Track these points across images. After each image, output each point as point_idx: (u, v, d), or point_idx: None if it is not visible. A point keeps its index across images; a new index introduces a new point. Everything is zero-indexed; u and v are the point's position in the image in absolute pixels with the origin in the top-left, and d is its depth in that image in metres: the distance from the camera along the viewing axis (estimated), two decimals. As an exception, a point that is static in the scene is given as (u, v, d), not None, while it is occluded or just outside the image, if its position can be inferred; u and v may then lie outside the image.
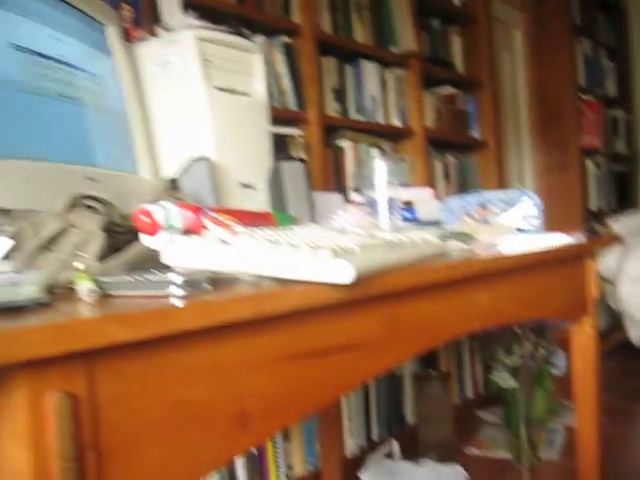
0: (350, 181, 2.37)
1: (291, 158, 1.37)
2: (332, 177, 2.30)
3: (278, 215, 0.91)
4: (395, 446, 2.41)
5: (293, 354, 0.70)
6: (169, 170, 1.18)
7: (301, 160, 1.29)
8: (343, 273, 0.66)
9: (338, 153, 2.38)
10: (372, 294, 0.76)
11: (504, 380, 2.49)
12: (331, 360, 0.75)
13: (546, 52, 4.04)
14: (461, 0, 3.31)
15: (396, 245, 0.89)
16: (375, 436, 2.50)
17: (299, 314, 0.68)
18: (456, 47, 3.32)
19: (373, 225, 1.20)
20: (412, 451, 2.46)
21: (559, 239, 1.36)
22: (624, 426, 2.81)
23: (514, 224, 1.57)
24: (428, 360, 2.76)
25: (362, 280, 0.70)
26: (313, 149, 2.17)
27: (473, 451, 2.61)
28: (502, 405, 2.56)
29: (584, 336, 1.43)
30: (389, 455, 2.40)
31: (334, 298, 0.69)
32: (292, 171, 1.24)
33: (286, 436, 2.10)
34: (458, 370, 2.99)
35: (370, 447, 2.42)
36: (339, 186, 2.30)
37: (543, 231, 1.54)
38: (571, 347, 1.46)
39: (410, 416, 2.69)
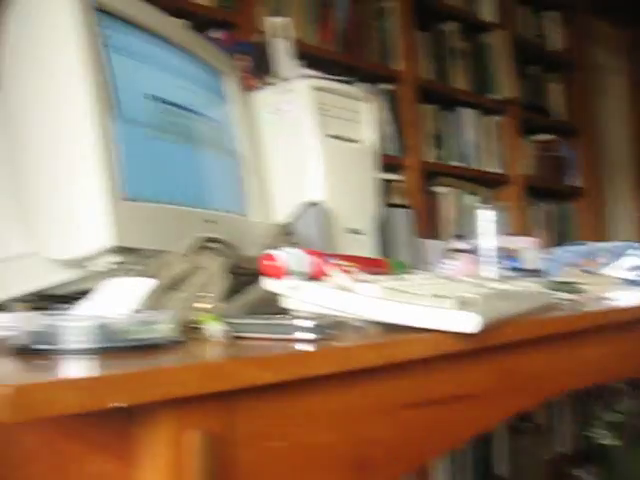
0: (447, 227, 2.37)
1: (398, 205, 1.38)
2: (429, 223, 2.30)
3: (392, 262, 0.92)
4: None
5: (413, 402, 0.70)
6: (279, 214, 1.21)
7: (406, 207, 1.30)
8: (470, 323, 0.66)
9: (436, 199, 2.39)
10: (490, 345, 0.76)
11: (603, 437, 2.39)
12: (448, 409, 0.74)
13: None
14: (560, 47, 3.28)
15: (511, 295, 0.89)
16: (466, 488, 2.44)
17: (421, 362, 0.68)
18: (555, 93, 3.28)
19: (480, 274, 1.20)
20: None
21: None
22: None
23: (620, 275, 1.53)
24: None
25: (484, 330, 0.70)
26: (412, 195, 2.18)
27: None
28: (599, 464, 2.45)
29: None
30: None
31: (457, 347, 0.69)
32: (399, 217, 1.25)
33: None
34: (552, 423, 2.89)
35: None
36: (435, 232, 2.30)
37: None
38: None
39: (500, 469, 2.61)
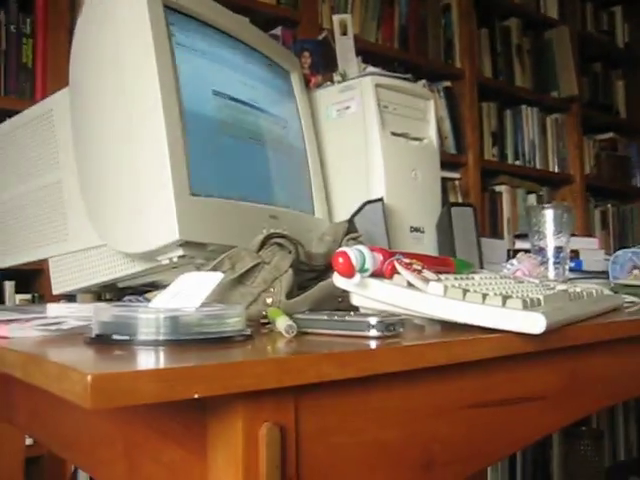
0: (506, 226, 2.34)
1: (461, 204, 1.37)
2: (488, 222, 2.28)
3: (457, 261, 0.91)
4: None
5: (479, 402, 0.69)
6: (340, 211, 1.21)
7: (470, 205, 1.29)
8: (534, 324, 0.66)
9: (495, 197, 2.36)
10: (556, 346, 0.75)
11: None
12: (513, 410, 0.74)
13: None
14: (625, 42, 3.21)
15: (576, 297, 0.88)
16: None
17: (487, 362, 0.68)
18: (619, 91, 3.21)
19: (543, 275, 1.18)
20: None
21: None
22: None
23: (688, 280, 1.49)
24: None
25: (549, 331, 0.69)
26: (471, 193, 2.16)
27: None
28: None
29: None
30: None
31: (522, 348, 0.68)
32: (461, 215, 1.25)
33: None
34: (611, 429, 2.83)
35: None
36: (495, 231, 2.28)
37: None
38: None
39: (558, 475, 2.57)
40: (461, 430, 0.69)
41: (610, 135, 3.07)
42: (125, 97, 0.89)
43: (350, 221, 1.06)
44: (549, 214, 1.27)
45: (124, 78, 0.90)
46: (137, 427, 0.64)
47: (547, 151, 2.65)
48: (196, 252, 0.89)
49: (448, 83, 2.22)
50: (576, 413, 0.85)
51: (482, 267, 1.24)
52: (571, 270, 1.47)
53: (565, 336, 0.76)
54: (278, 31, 1.94)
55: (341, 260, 0.67)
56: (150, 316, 0.59)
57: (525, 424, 0.76)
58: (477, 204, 2.17)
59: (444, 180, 2.12)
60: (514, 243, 1.61)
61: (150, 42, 0.88)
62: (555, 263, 1.24)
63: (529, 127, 2.56)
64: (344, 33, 1.46)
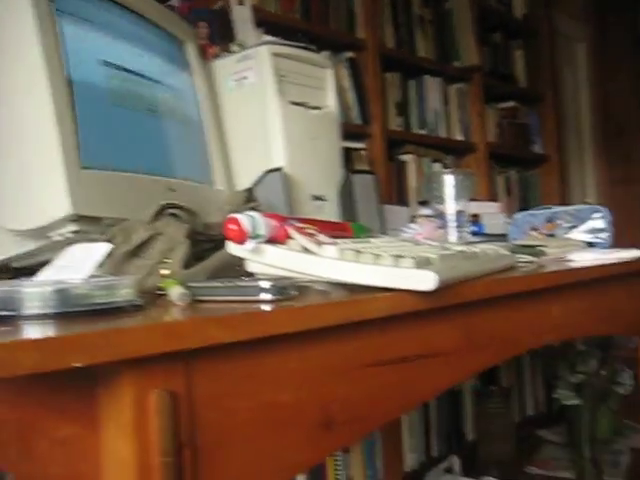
0: (412, 195, 2.38)
1: (362, 171, 1.38)
2: (394, 191, 2.31)
3: (354, 226, 0.92)
4: (455, 462, 2.39)
5: (377, 360, 0.71)
6: (242, 182, 1.20)
7: (371, 172, 1.31)
8: (426, 281, 0.67)
9: (401, 167, 2.39)
10: (451, 303, 0.77)
11: (567, 398, 2.44)
12: (412, 367, 0.76)
13: (610, 66, 3.99)
14: (523, 13, 3.29)
15: (470, 256, 0.90)
16: (435, 452, 2.48)
17: (382, 321, 0.69)
18: (518, 61, 3.30)
19: (443, 238, 1.21)
20: (471, 468, 2.43)
21: (632, 253, 1.34)
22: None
23: (583, 239, 1.55)
24: (488, 376, 2.73)
25: (443, 289, 0.71)
26: (376, 163, 2.18)
27: (534, 470, 2.57)
28: (565, 424, 2.51)
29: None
30: (449, 471, 2.38)
31: (416, 305, 0.70)
32: (363, 183, 1.26)
33: (347, 450, 2.10)
34: (519, 387, 2.95)
35: (429, 463, 2.40)
36: (401, 199, 2.31)
37: (613, 246, 1.52)
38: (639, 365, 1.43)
39: (470, 433, 2.66)
40: (360, 389, 0.70)
41: (511, 104, 3.16)
42: (7, 66, 0.86)
43: (249, 190, 1.05)
44: (448, 179, 1.30)
45: (5, 48, 0.86)
46: (31, 408, 0.63)
47: (451, 120, 2.70)
48: (90, 227, 0.87)
49: (351, 54, 2.23)
50: (474, 367, 0.88)
51: (384, 233, 1.26)
52: (474, 234, 1.51)
53: (459, 293, 0.78)
54: (175, 2, 1.90)
55: (232, 226, 0.67)
56: (35, 290, 0.57)
57: (424, 381, 0.78)
58: (383, 173, 2.20)
59: (350, 151, 2.14)
60: (418, 210, 1.64)
61: (31, 11, 0.84)
62: (455, 227, 1.27)
63: (433, 97, 2.60)
64: (241, 2, 1.44)
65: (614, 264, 1.19)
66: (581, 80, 4.02)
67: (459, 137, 2.73)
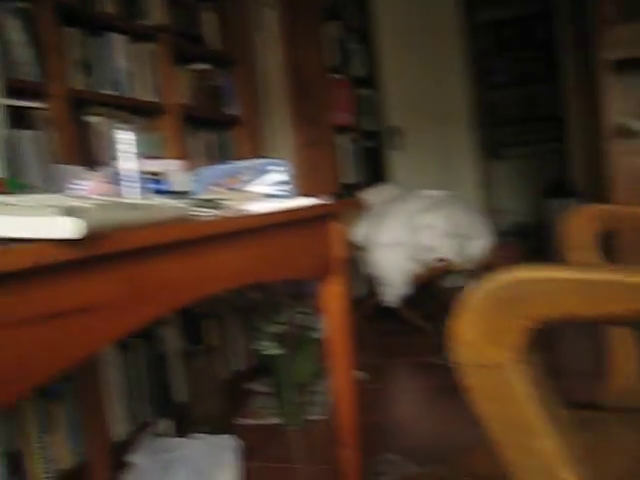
0: (100, 157, 2.29)
1: (29, 128, 1.29)
2: (80, 152, 2.20)
3: (9, 181, 0.85)
4: (167, 425, 2.39)
5: (22, 318, 0.66)
6: None
7: (40, 130, 1.22)
8: (72, 228, 0.64)
9: (86, 128, 2.29)
10: (107, 252, 0.74)
11: (268, 348, 2.57)
12: (66, 323, 0.72)
13: (298, 33, 4.19)
14: (213, -25, 3.31)
15: (134, 207, 0.88)
16: (145, 418, 2.45)
17: (27, 274, 0.64)
18: (209, 23, 3.32)
19: (116, 194, 1.18)
20: (185, 428, 2.45)
21: (305, 202, 1.42)
22: (385, 381, 3.04)
23: (264, 191, 1.62)
24: (193, 335, 2.76)
25: (95, 237, 0.68)
26: (58, 123, 2.05)
27: (244, 421, 2.67)
28: (270, 373, 2.64)
29: (332, 295, 1.51)
30: (160, 434, 2.38)
31: (63, 255, 0.66)
32: (30, 141, 1.17)
33: (48, 429, 1.99)
34: (225, 344, 3.02)
35: (141, 430, 2.37)
36: (88, 161, 2.21)
37: (294, 197, 1.61)
38: (320, 306, 1.53)
39: (180, 394, 2.68)
40: (7, 350, 0.65)
41: (204, 66, 3.17)
42: None
43: None
44: (123, 137, 1.27)
45: None
46: None
47: (140, 81, 2.64)
48: None
49: (24, 4, 2.06)
50: (141, 318, 0.87)
51: (52, 191, 1.19)
52: (157, 191, 1.49)
53: (117, 241, 0.76)
54: None
55: None
56: None
57: (82, 335, 0.75)
58: (66, 134, 2.07)
59: (28, 110, 1.98)
60: (97, 169, 1.58)
61: None
62: (131, 184, 1.24)
63: (120, 56, 2.51)
64: None
65: (284, 210, 1.25)
66: (274, 45, 4.17)
67: (150, 98, 2.68)
